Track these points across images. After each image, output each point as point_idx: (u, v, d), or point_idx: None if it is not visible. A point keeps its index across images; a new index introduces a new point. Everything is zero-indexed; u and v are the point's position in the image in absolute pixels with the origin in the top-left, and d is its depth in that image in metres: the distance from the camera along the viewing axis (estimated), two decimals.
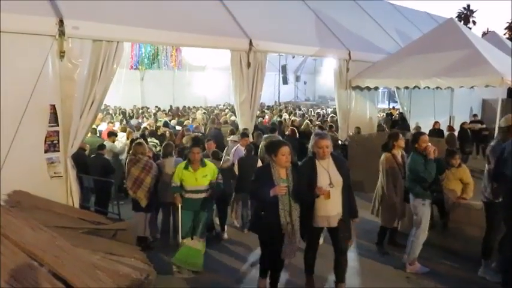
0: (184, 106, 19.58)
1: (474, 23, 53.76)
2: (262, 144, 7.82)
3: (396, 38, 13.28)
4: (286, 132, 10.61)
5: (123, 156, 8.51)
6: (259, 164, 6.66)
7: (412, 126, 11.46)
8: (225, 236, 6.41)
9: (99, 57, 6.02)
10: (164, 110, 17.41)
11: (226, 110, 17.02)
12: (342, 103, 10.85)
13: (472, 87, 9.48)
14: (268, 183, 3.95)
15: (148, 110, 17.38)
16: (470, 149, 11.25)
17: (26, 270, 3.22)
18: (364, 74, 10.70)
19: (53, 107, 5.66)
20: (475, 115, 13.40)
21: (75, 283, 3.40)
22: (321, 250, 4.56)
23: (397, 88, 11.64)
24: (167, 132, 10.49)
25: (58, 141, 5.79)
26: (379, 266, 5.33)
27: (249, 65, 8.27)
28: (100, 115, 12.53)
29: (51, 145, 5.74)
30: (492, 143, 4.91)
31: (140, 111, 17.25)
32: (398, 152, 5.58)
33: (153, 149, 8.62)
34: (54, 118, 5.69)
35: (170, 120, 13.64)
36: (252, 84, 8.43)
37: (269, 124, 12.67)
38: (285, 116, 15.81)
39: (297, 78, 27.14)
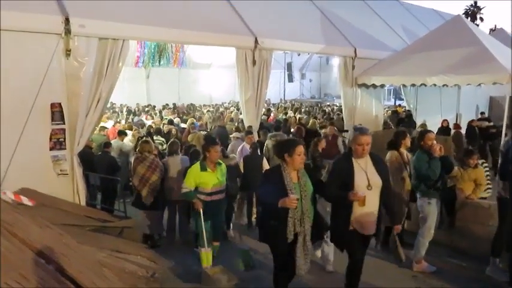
0: (189, 104, 19.60)
1: (482, 19, 53.26)
2: (267, 142, 7.81)
3: (402, 35, 13.19)
4: (292, 130, 10.58)
5: (131, 155, 8.53)
6: (265, 162, 6.65)
7: (419, 124, 11.39)
8: (231, 234, 6.41)
9: (105, 55, 6.03)
10: (170, 108, 17.44)
11: (232, 108, 17.01)
12: (348, 101, 10.80)
13: (479, 84, 9.38)
14: (279, 188, 3.55)
15: (154, 108, 17.41)
16: (478, 146, 11.15)
17: (33, 268, 3.24)
18: (370, 71, 10.65)
19: (59, 105, 5.68)
20: (482, 113, 13.28)
21: (82, 281, 3.41)
22: None
23: (404, 86, 11.56)
24: (173, 130, 10.51)
25: (64, 139, 5.81)
26: (386, 264, 5.30)
27: (254, 62, 8.25)
28: (107, 113, 12.60)
29: (57, 143, 5.76)
30: (507, 138, 4.90)
31: (146, 109, 17.29)
32: (404, 151, 5.55)
33: (159, 147, 8.65)
34: (60, 116, 5.71)
35: (175, 118, 13.65)
36: (257, 82, 8.42)
37: (273, 122, 12.65)
38: (290, 113, 15.79)
39: (303, 76, 27.12)
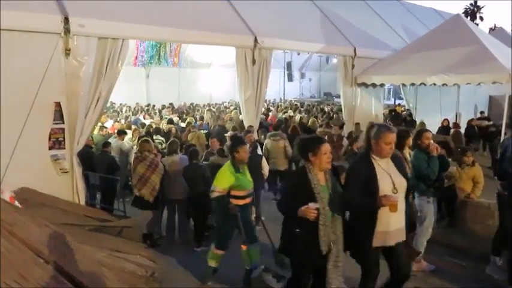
0: (190, 104, 19.59)
1: (481, 19, 53.32)
2: (266, 142, 7.81)
3: (402, 35, 13.19)
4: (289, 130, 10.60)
5: (131, 154, 8.53)
6: (264, 162, 6.64)
7: (418, 123, 11.40)
8: None
9: (104, 55, 6.03)
10: (169, 107, 17.44)
11: (231, 108, 17.00)
12: (348, 100, 10.81)
13: (479, 83, 9.40)
14: (306, 192, 3.14)
15: (154, 108, 17.41)
16: (477, 146, 11.16)
17: (32, 268, 3.24)
18: (370, 70, 10.65)
19: (59, 104, 5.68)
20: (482, 112, 13.29)
21: (81, 280, 3.41)
22: None
23: (403, 85, 11.57)
24: (173, 129, 10.51)
25: (63, 138, 5.81)
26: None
27: (254, 62, 8.25)
28: (108, 113, 12.60)
29: (56, 142, 5.76)
30: (505, 137, 4.91)
31: (146, 108, 17.29)
32: (406, 151, 5.55)
33: (159, 146, 8.65)
34: (59, 115, 5.71)
35: (174, 117, 13.65)
36: (257, 81, 8.42)
37: (271, 121, 12.66)
38: (290, 113, 15.78)
39: (302, 75, 27.10)
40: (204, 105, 19.28)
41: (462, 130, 10.89)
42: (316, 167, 3.22)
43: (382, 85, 11.14)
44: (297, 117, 14.11)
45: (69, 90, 5.74)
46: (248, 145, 4.79)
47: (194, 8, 7.88)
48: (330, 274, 3.18)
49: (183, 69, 20.59)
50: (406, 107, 14.72)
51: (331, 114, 14.86)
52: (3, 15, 5.00)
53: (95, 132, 8.43)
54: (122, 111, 16.16)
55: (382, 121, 11.90)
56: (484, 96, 14.65)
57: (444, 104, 12.68)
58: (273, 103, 21.48)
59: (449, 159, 5.58)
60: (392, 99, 23.27)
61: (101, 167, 7.07)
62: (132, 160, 6.19)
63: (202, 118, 13.68)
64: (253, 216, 6.62)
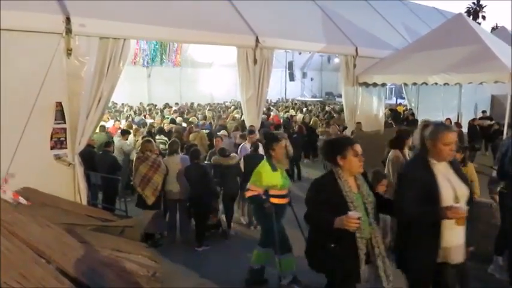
0: (191, 103, 19.60)
1: (484, 18, 53.16)
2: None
3: (404, 34, 13.16)
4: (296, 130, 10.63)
5: (133, 154, 8.53)
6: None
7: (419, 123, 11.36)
8: (232, 232, 6.41)
9: (106, 55, 6.03)
10: (171, 107, 17.45)
11: (232, 107, 16.99)
12: (349, 99, 10.79)
13: (481, 83, 9.37)
14: (337, 201, 2.78)
15: (156, 107, 17.42)
16: (479, 145, 11.14)
17: (34, 267, 3.24)
18: (372, 70, 10.63)
19: (60, 104, 5.68)
20: (484, 111, 13.26)
21: (83, 280, 3.42)
22: None
23: (405, 84, 11.54)
24: (174, 128, 10.49)
25: (65, 138, 5.82)
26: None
27: (255, 61, 8.24)
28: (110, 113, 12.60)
29: (58, 142, 5.77)
30: (506, 137, 4.89)
31: (147, 107, 17.29)
32: (406, 150, 5.53)
33: (162, 146, 8.65)
34: (61, 115, 5.71)
35: (176, 117, 13.65)
36: (258, 81, 8.40)
37: (273, 121, 12.67)
38: (292, 112, 15.78)
39: (304, 75, 27.09)
40: (205, 105, 19.29)
41: (463, 129, 10.87)
42: (347, 172, 2.86)
43: (383, 85, 11.12)
44: (299, 116, 14.12)
45: (71, 90, 5.74)
46: (283, 142, 4.55)
47: (196, 7, 7.87)
48: None
49: (185, 68, 20.61)
50: (408, 107, 14.71)
51: (332, 113, 14.86)
52: (5, 16, 5.00)
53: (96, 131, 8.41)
54: (123, 111, 16.17)
55: (384, 120, 11.90)
56: (485, 96, 14.61)
57: (446, 103, 12.65)
58: (275, 103, 21.45)
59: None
60: (394, 98, 23.25)
61: (102, 166, 7.08)
62: (134, 160, 6.19)
63: (204, 118, 13.67)
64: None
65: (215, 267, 5.24)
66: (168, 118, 12.88)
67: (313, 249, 2.99)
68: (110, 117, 12.54)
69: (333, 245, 2.77)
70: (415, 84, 10.86)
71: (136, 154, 6.35)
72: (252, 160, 6.49)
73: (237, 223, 6.75)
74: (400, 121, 12.72)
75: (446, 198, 2.79)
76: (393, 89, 22.75)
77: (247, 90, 8.43)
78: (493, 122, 11.62)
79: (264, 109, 12.46)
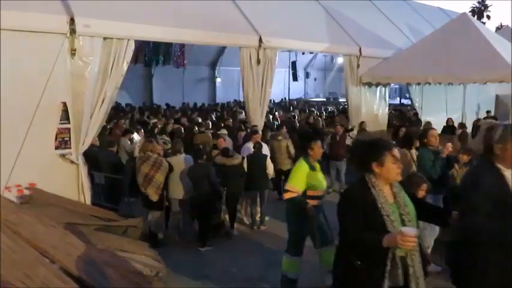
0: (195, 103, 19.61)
1: (488, 17, 52.89)
2: (269, 142, 7.80)
3: (408, 34, 13.13)
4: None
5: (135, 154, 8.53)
6: (269, 162, 6.63)
7: (424, 122, 11.33)
8: (235, 233, 6.41)
9: (109, 55, 6.04)
10: (174, 107, 17.47)
11: (235, 108, 16.98)
12: (353, 99, 10.77)
13: (485, 82, 9.34)
14: (371, 214, 2.40)
15: (159, 107, 17.43)
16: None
17: (38, 267, 3.25)
18: (375, 70, 10.61)
19: (64, 104, 5.70)
20: (488, 111, 13.18)
21: (86, 280, 3.43)
22: None
23: (409, 84, 11.51)
24: (176, 128, 10.46)
25: (69, 138, 5.84)
26: None
27: (258, 61, 8.24)
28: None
29: (62, 142, 5.79)
30: None
31: (151, 107, 17.30)
32: (413, 150, 5.53)
33: (164, 146, 8.64)
34: (65, 115, 5.73)
35: (180, 118, 13.65)
36: (261, 81, 8.40)
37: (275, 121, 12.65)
38: (296, 112, 15.74)
39: (307, 75, 27.06)
40: (208, 105, 19.30)
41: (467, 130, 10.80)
42: (382, 180, 2.49)
43: (387, 84, 11.10)
44: (302, 116, 14.09)
45: (75, 91, 5.76)
46: (320, 140, 4.46)
47: (199, 8, 7.87)
48: None
49: (188, 68, 20.65)
50: (416, 105, 14.60)
51: (336, 113, 14.83)
52: (9, 16, 5.03)
53: None
54: (126, 111, 16.18)
55: (387, 120, 11.86)
56: (487, 96, 14.52)
57: (450, 103, 12.59)
58: (279, 104, 21.42)
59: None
60: (398, 98, 23.20)
61: (106, 166, 7.09)
62: (136, 160, 6.21)
63: (207, 118, 13.65)
64: (258, 216, 6.66)
65: (218, 267, 5.24)
66: (172, 118, 12.89)
67: (339, 266, 2.65)
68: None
69: (359, 263, 2.41)
70: (418, 84, 10.83)
71: (138, 154, 6.36)
72: (256, 160, 6.50)
73: (240, 223, 6.75)
74: (404, 121, 12.67)
75: None
76: (397, 88, 22.68)
77: (251, 90, 8.43)
78: (498, 122, 11.53)
79: (267, 109, 12.44)
